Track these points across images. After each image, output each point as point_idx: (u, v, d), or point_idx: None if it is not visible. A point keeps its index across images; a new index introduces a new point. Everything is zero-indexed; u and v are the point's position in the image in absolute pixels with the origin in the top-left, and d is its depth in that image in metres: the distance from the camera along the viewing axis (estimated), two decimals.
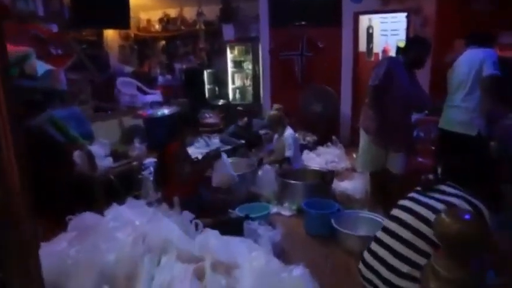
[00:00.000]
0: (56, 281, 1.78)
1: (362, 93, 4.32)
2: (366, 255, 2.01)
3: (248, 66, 6.60)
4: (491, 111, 2.83)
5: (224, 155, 3.22)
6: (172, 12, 7.13)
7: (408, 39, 4.68)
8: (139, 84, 5.75)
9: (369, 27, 6.03)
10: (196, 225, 2.24)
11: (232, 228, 2.43)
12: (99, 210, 2.37)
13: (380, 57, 5.93)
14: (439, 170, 2.08)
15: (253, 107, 6.44)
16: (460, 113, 2.95)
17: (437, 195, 1.85)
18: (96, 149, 3.33)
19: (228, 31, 6.45)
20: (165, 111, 4.82)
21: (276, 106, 5.00)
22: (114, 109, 5.17)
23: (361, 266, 2.04)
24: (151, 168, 3.48)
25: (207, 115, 6.01)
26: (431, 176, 2.01)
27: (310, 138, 5.27)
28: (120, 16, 5.58)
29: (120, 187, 3.24)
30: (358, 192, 3.58)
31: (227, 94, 6.83)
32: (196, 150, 4.01)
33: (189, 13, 6.97)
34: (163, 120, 4.32)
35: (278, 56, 6.01)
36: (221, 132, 5.48)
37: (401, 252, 1.82)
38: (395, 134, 2.89)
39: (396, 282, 1.79)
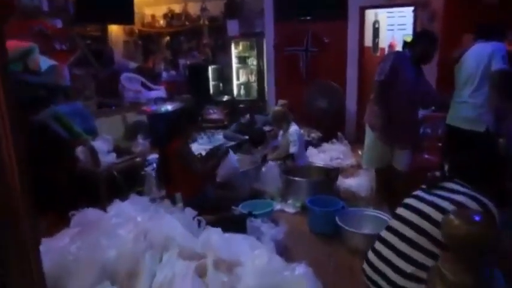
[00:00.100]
0: (58, 277, 1.78)
1: (368, 88, 4.27)
2: (371, 255, 1.98)
3: (253, 61, 6.56)
4: (499, 107, 2.77)
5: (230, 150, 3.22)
6: (177, 8, 7.10)
7: (415, 33, 4.61)
8: (144, 80, 5.74)
9: (375, 22, 5.95)
10: (199, 222, 2.23)
11: (235, 225, 2.41)
12: (102, 206, 2.37)
13: (386, 53, 5.86)
14: (446, 167, 2.04)
15: (258, 103, 6.41)
16: (467, 109, 2.90)
17: (442, 193, 1.80)
18: (99, 144, 3.32)
19: (233, 26, 6.41)
20: (169, 107, 4.82)
21: (280, 102, 4.98)
22: (118, 105, 5.17)
23: (365, 266, 2.01)
24: (155, 165, 3.47)
25: (211, 111, 6.00)
26: (437, 173, 1.97)
27: (314, 134, 5.23)
28: (124, 11, 5.58)
29: (123, 183, 3.24)
30: (363, 189, 3.54)
31: (231, 90, 6.80)
32: (199, 147, 4.00)
33: (194, 8, 6.94)
34: (167, 116, 4.31)
35: (283, 51, 5.96)
36: (225, 128, 5.47)
37: (404, 252, 1.79)
38: (401, 131, 2.84)
39: (401, 283, 1.75)
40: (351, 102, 5.67)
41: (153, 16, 7.26)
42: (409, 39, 3.14)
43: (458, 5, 4.49)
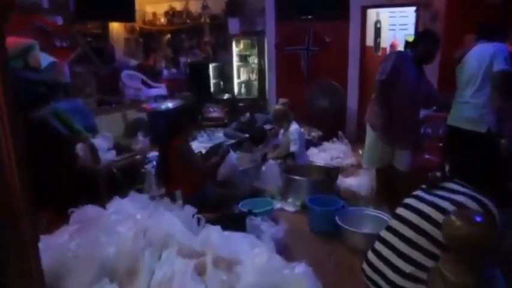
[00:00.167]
0: (57, 274, 1.78)
1: (369, 88, 4.25)
2: (370, 255, 1.98)
3: (254, 60, 6.54)
4: (501, 107, 2.76)
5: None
6: (178, 6, 7.09)
7: (417, 33, 4.59)
8: (144, 78, 5.72)
9: (377, 22, 5.93)
10: (199, 220, 2.22)
11: (235, 223, 2.41)
12: (102, 203, 2.36)
13: (388, 52, 5.84)
14: (447, 168, 2.03)
15: (259, 102, 6.40)
16: (469, 110, 2.89)
17: (442, 193, 1.80)
18: (99, 142, 3.32)
19: (234, 25, 6.40)
20: (169, 104, 4.80)
21: (281, 100, 4.97)
22: (118, 102, 5.15)
23: (365, 266, 2.00)
24: (155, 162, 3.46)
25: (212, 109, 5.99)
26: (438, 174, 1.97)
27: (315, 133, 5.22)
28: (125, 9, 5.56)
29: (122, 180, 3.23)
30: (364, 189, 3.54)
31: (232, 88, 6.79)
32: (199, 145, 3.99)
33: (195, 6, 6.92)
34: (167, 114, 4.29)
35: (284, 50, 5.94)
36: (225, 126, 5.46)
37: (404, 252, 1.78)
38: (402, 131, 2.83)
39: (400, 283, 1.75)
40: (352, 102, 5.65)
41: (154, 14, 7.24)
42: (411, 39, 3.12)
43: (461, 5, 4.47)
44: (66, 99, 3.70)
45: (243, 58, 6.67)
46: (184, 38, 7.11)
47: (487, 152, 2.15)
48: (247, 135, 4.80)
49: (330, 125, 5.36)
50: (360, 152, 4.33)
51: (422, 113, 3.38)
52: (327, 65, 5.67)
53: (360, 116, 5.26)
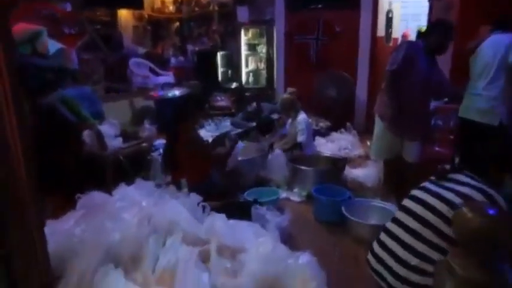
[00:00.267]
0: (62, 258, 1.79)
1: (379, 78, 4.19)
2: (375, 246, 1.96)
3: (262, 49, 6.47)
4: None
5: None
6: None
7: (430, 22, 4.47)
8: (152, 66, 5.71)
9: (389, 11, 5.80)
10: (204, 208, 2.22)
11: (240, 212, 2.40)
12: (108, 189, 2.37)
13: (399, 43, 5.73)
14: (457, 160, 1.99)
15: (267, 91, 6.35)
16: (481, 101, 2.83)
17: (448, 185, 1.77)
18: (106, 129, 3.32)
19: (243, 13, 6.32)
20: (176, 92, 4.79)
21: (289, 90, 4.91)
22: (126, 90, 5.15)
23: (369, 257, 1.99)
24: (161, 150, 3.47)
25: (219, 98, 5.96)
26: (447, 166, 1.93)
27: (323, 123, 5.17)
28: None
29: (129, 168, 3.24)
30: (371, 180, 3.50)
31: (240, 77, 6.75)
32: (207, 133, 3.99)
33: None
34: (174, 102, 4.29)
35: (293, 39, 5.87)
36: (233, 115, 5.44)
37: (409, 243, 1.76)
38: (412, 122, 2.78)
39: (404, 274, 1.73)
40: (361, 92, 5.58)
41: (162, 1, 7.17)
42: (423, 29, 3.05)
43: None
44: (73, 86, 3.71)
45: (252, 47, 6.60)
46: (192, 26, 7.05)
47: (498, 144, 2.10)
48: (254, 125, 4.77)
49: (338, 115, 5.30)
50: (368, 143, 4.29)
51: (433, 104, 3.31)
52: (337, 54, 5.59)
53: (369, 107, 5.19)
